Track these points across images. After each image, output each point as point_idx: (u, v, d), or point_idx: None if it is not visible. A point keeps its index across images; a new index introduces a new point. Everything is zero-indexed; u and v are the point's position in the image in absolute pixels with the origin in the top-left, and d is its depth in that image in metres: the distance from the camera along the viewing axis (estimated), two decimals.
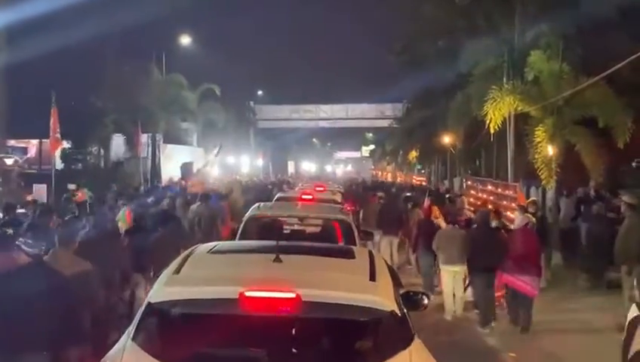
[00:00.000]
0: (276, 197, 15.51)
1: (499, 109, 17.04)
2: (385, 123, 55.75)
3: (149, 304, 4.36)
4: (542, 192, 17.84)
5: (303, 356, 4.23)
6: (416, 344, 4.38)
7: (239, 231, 9.55)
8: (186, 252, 5.19)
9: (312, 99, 59.89)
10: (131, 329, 4.30)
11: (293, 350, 4.24)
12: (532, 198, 17.10)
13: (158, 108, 33.72)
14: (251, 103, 57.69)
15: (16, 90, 28.44)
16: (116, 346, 4.33)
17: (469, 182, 27.74)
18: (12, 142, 34.22)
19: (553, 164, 15.92)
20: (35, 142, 35.53)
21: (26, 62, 27.55)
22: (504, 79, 19.37)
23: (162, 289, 4.45)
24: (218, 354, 4.17)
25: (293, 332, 4.25)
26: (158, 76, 34.73)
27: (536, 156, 16.25)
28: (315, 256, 5.30)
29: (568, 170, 16.43)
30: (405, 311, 4.63)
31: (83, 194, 18.92)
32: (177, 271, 4.69)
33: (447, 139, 30.35)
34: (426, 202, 15.12)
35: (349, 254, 5.49)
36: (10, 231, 7.54)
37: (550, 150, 15.83)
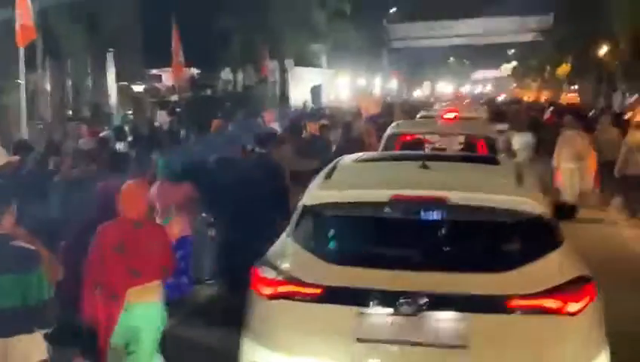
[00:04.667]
0: (419, 115, 15.24)
1: None
2: (529, 37, 51.47)
3: (304, 206, 4.75)
4: None
5: (451, 256, 4.44)
6: (566, 246, 4.45)
7: (379, 149, 9.49)
8: (334, 161, 5.44)
9: (448, 14, 56.03)
10: (290, 228, 4.75)
11: (444, 249, 4.54)
12: None
13: (285, 30, 32.28)
14: (384, 22, 54.94)
15: (149, 17, 27.91)
16: (277, 243, 4.80)
17: (635, 97, 24.16)
18: (154, 71, 33.82)
19: None
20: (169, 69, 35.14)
21: None
22: None
23: (316, 193, 4.83)
24: (368, 252, 4.48)
25: (443, 233, 4.50)
26: None
27: None
28: (460, 162, 5.62)
29: None
30: (554, 216, 4.67)
31: None
32: (328, 176, 5.04)
33: (605, 48, 26.71)
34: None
35: (493, 161, 5.65)
36: None
37: None
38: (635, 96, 24.44)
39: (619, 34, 22.76)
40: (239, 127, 13.12)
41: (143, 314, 4.85)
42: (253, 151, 8.61)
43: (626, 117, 17.07)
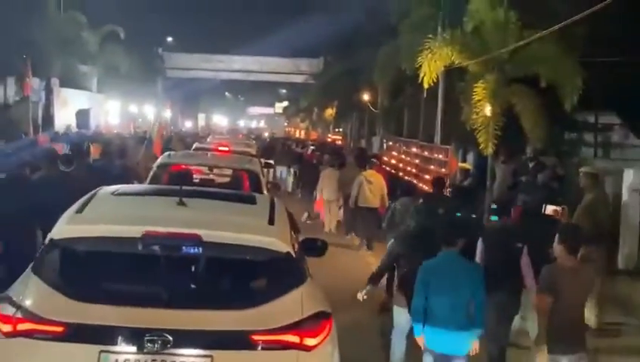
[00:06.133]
0: (194, 146, 15.31)
1: (434, 62, 15.21)
2: (300, 78, 53.78)
3: (51, 240, 4.57)
4: (474, 157, 16.41)
5: (202, 292, 4.50)
6: (309, 283, 4.71)
7: (148, 180, 9.52)
8: (90, 193, 5.26)
9: (224, 49, 56.79)
10: (34, 263, 4.55)
11: (192, 286, 4.55)
12: (464, 164, 15.84)
13: (52, 47, 30.44)
14: (159, 50, 54.17)
15: None
16: (20, 278, 4.58)
17: (390, 143, 26.19)
18: None
19: (492, 126, 14.23)
20: None
21: None
22: (438, 29, 17.63)
23: (64, 227, 4.66)
24: (115, 289, 4.40)
25: (194, 270, 4.55)
26: (53, 12, 31.30)
27: (474, 116, 14.53)
28: (218, 200, 5.56)
29: (507, 133, 14.79)
30: (301, 254, 5.05)
31: None
32: (80, 210, 4.87)
33: (366, 96, 28.71)
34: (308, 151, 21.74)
35: (250, 200, 5.79)
36: None
37: (489, 110, 14.14)
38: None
39: (378, 83, 24.59)
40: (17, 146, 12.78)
41: None
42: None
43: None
